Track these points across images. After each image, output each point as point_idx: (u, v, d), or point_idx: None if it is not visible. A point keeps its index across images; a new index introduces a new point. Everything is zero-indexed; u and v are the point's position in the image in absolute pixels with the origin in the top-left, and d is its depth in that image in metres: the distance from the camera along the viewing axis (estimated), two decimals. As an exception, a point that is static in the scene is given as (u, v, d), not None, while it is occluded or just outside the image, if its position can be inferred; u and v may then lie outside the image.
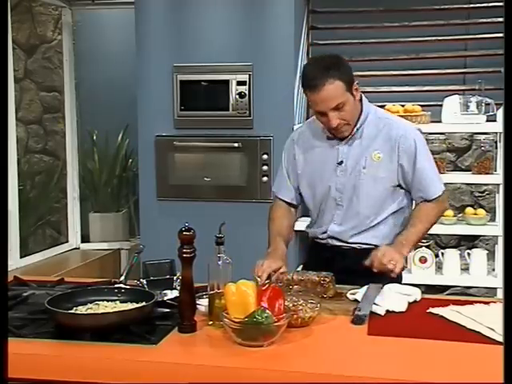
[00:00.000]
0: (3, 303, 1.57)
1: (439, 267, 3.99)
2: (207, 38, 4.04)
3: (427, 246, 3.99)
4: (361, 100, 2.47)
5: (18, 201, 4.23)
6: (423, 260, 3.92)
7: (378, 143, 2.44)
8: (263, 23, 3.98)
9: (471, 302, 2.16)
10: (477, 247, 4.19)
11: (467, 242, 4.32)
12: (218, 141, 4.04)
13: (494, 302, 2.17)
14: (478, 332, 1.90)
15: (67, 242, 4.97)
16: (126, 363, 1.76)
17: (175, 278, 2.33)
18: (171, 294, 2.19)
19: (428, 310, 2.08)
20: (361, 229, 2.48)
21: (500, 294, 3.83)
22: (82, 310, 1.98)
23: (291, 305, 1.96)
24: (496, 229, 3.87)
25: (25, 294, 2.24)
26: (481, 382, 1.58)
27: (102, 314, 1.92)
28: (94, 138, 5.16)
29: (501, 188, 3.84)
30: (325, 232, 2.52)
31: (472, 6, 4.24)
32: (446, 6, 4.20)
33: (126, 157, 5.16)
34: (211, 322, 1.96)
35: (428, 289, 4.02)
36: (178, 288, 2.18)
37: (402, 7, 4.21)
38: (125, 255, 4.88)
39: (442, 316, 2.03)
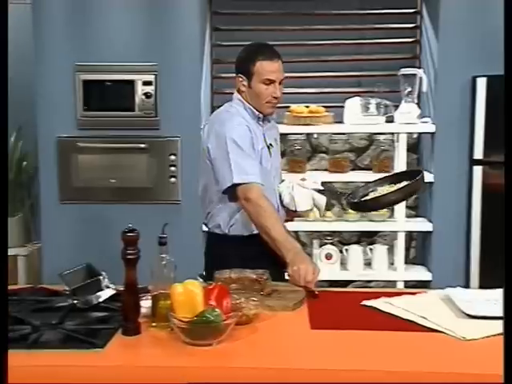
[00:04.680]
0: (3, 307, 1.50)
1: (343, 263, 4.14)
2: (110, 37, 3.95)
3: (332, 243, 4.13)
4: None
5: None
6: (329, 257, 4.05)
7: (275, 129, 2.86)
8: (168, 23, 3.94)
9: (399, 294, 2.27)
10: (375, 243, 4.38)
11: (367, 238, 4.50)
12: (124, 142, 3.97)
13: (420, 293, 2.30)
14: (412, 321, 2.00)
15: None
16: (72, 369, 1.70)
17: (102, 277, 2.26)
18: (105, 295, 2.13)
19: (362, 303, 2.16)
20: None
21: (400, 286, 4.03)
22: None
23: (233, 303, 1.98)
24: (395, 224, 4.07)
25: None
26: (481, 382, 1.66)
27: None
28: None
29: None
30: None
31: (366, 12, 4.42)
32: (343, 12, 4.37)
33: (19, 159, 4.94)
34: (155, 324, 1.94)
35: (332, 284, 4.16)
36: (109, 287, 2.16)
37: (302, 11, 4.34)
38: (22, 262, 4.66)
39: (375, 308, 2.12)
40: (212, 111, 4.44)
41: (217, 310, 1.81)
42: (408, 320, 2.01)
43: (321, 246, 4.13)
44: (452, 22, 3.89)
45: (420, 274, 4.10)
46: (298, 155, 4.06)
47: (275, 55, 2.63)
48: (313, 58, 4.39)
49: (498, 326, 1.91)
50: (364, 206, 2.62)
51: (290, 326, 1.99)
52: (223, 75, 4.45)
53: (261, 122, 2.69)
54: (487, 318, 1.98)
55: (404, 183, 2.48)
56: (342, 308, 2.15)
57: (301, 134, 4.11)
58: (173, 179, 3.99)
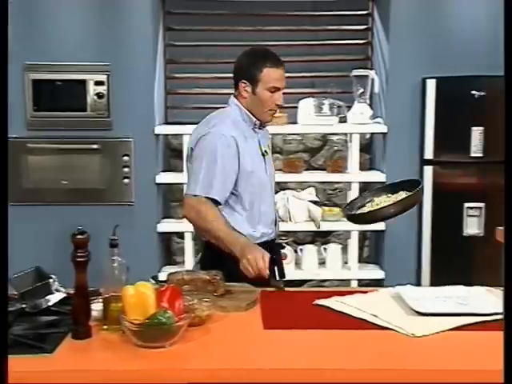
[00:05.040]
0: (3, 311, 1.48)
1: (297, 263, 4.16)
2: (61, 36, 3.90)
3: (286, 243, 4.15)
4: None
5: None
6: (284, 257, 4.04)
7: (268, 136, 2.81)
8: (120, 23, 3.92)
9: (351, 292, 2.29)
10: (329, 242, 4.41)
11: (321, 238, 4.53)
12: (76, 142, 3.92)
13: (371, 291, 2.32)
14: (363, 319, 2.02)
15: None
16: (20, 375, 1.66)
17: (51, 281, 2.23)
18: (55, 298, 2.10)
19: (314, 302, 2.17)
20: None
21: (354, 284, 4.07)
22: None
23: (186, 304, 1.97)
24: (348, 224, 4.07)
25: None
26: (480, 382, 1.66)
27: None
28: None
29: (352, 185, 4.06)
30: (274, 223, 2.65)
31: (319, 13, 4.45)
32: (296, 13, 4.39)
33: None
34: (106, 327, 1.91)
35: (287, 284, 4.17)
36: (59, 291, 2.12)
37: (255, 12, 4.34)
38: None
39: (328, 307, 2.14)
40: (166, 111, 4.42)
41: (169, 311, 1.80)
42: (359, 318, 2.03)
43: (276, 246, 4.13)
44: (402, 24, 3.95)
45: (373, 272, 4.15)
46: (252, 156, 4.06)
47: (280, 62, 2.58)
48: (266, 58, 4.38)
49: (447, 323, 1.95)
50: (362, 219, 2.56)
51: (243, 327, 1.98)
52: (177, 75, 4.43)
53: (256, 129, 2.62)
54: (436, 315, 2.01)
55: (402, 194, 2.43)
56: (294, 308, 2.16)
57: (255, 134, 4.11)
58: (126, 180, 3.96)
